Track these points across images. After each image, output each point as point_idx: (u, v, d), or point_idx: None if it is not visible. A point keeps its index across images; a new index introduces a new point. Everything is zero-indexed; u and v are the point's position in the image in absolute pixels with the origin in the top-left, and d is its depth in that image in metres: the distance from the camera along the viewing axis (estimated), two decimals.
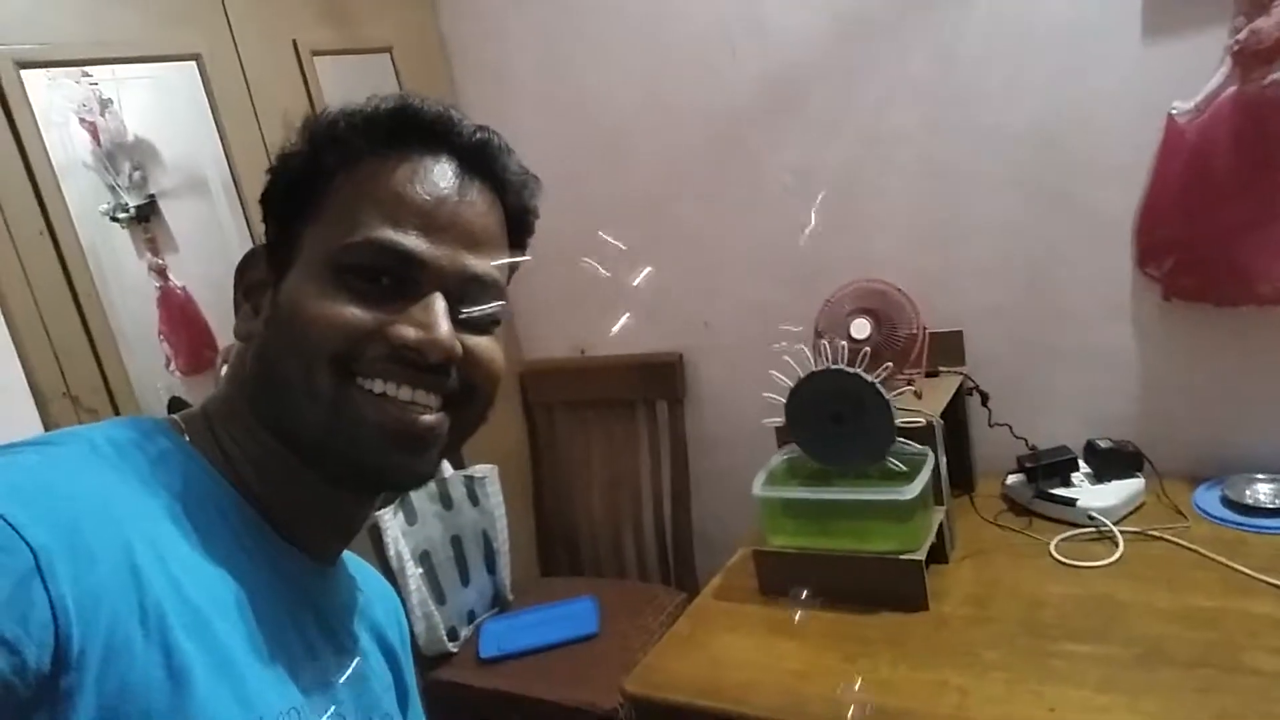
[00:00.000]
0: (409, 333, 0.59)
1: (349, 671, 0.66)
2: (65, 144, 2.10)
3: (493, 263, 0.64)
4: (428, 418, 0.61)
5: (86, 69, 2.03)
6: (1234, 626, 1.10)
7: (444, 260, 0.61)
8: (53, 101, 1.84)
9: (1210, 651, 1.06)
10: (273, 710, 0.55)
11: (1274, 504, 1.34)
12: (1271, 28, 1.23)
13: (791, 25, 1.65)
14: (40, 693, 0.45)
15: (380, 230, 0.59)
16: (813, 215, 1.60)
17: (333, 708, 0.62)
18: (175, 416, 0.64)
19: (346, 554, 0.77)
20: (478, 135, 0.65)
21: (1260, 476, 1.39)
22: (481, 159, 0.65)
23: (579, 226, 2.03)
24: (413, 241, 0.60)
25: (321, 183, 0.62)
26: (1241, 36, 1.26)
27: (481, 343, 0.64)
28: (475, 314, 0.63)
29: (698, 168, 1.85)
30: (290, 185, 0.63)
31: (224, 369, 0.72)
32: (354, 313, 0.59)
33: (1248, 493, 1.36)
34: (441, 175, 0.62)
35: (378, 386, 0.59)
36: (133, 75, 1.75)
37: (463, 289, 0.62)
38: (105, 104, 2.10)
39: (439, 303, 0.60)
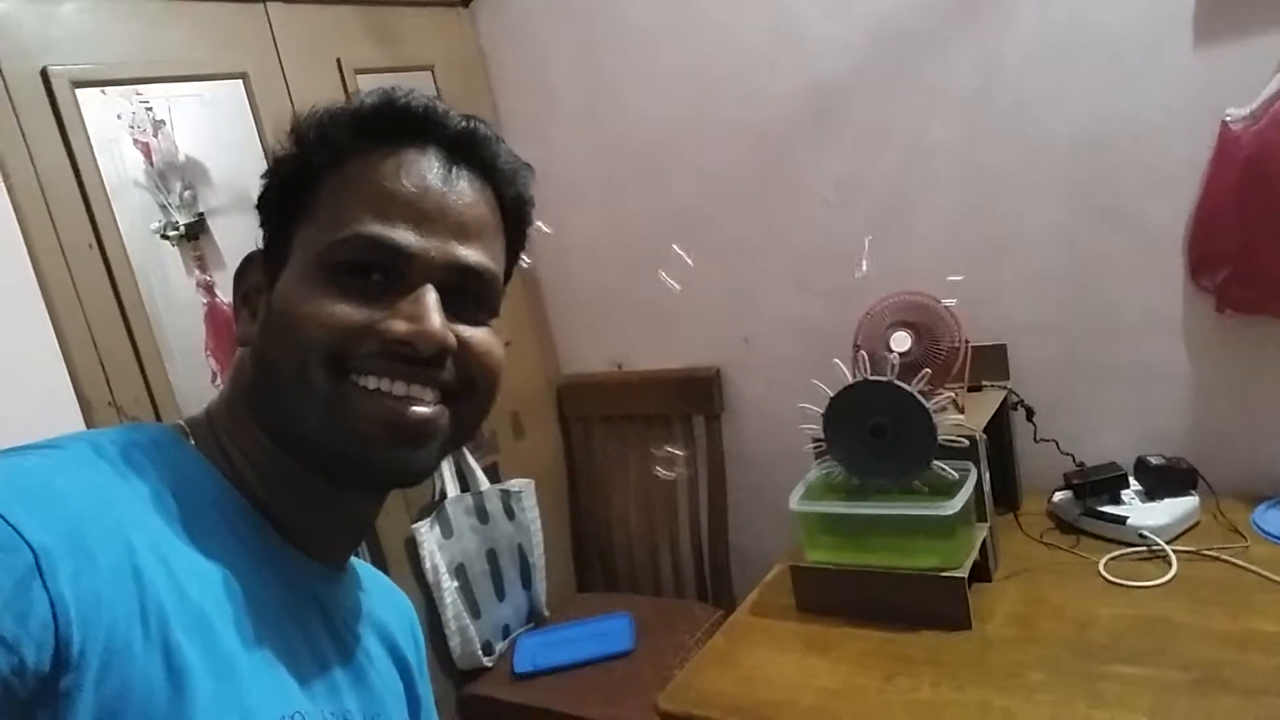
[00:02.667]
0: (400, 327, 0.58)
1: (355, 677, 0.66)
2: (118, 163, 2.17)
3: (486, 253, 0.63)
4: (424, 409, 0.60)
5: (139, 89, 2.10)
6: None
7: (433, 252, 0.60)
8: (106, 120, 1.90)
9: (1273, 679, 1.01)
10: (274, 713, 0.55)
11: None
12: None
13: (831, 37, 1.64)
14: (39, 692, 0.45)
15: (367, 225, 0.59)
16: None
17: (336, 713, 0.62)
18: (180, 422, 0.64)
19: (360, 563, 0.76)
20: (463, 124, 0.64)
21: None
22: (469, 148, 0.63)
23: (618, 240, 2.06)
24: (401, 234, 0.59)
25: (311, 183, 0.62)
26: None
27: (477, 334, 0.63)
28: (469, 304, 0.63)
29: (737, 182, 1.84)
30: (282, 188, 0.63)
31: None
32: (345, 310, 0.58)
33: None
34: (428, 166, 0.61)
35: (372, 383, 0.59)
36: (182, 94, 1.80)
37: (456, 280, 0.61)
38: (158, 125, 2.16)
39: (430, 295, 0.59)
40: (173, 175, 2.06)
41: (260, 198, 0.65)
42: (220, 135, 1.92)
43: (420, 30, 1.94)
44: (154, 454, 0.58)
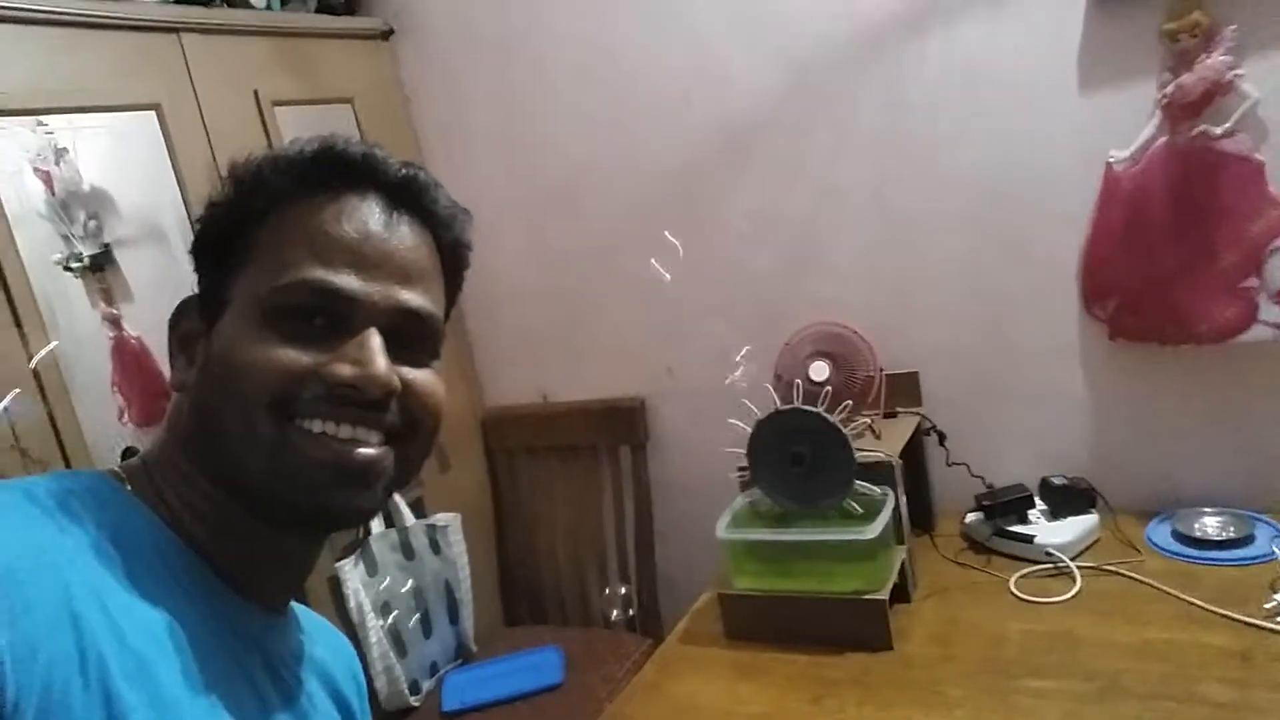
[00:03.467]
0: (345, 370, 0.59)
1: None
2: (19, 193, 2.07)
3: (428, 296, 0.65)
4: (369, 451, 0.61)
5: (42, 118, 2.02)
6: (1188, 658, 1.12)
7: (377, 296, 0.61)
8: (7, 149, 1.83)
9: (1166, 684, 1.08)
10: None
11: (1221, 536, 1.37)
12: (1195, 82, 1.30)
13: (746, 78, 1.70)
14: None
15: (311, 270, 0.59)
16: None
17: None
18: (116, 469, 0.63)
19: (300, 607, 0.76)
20: (404, 171, 0.65)
21: (1208, 510, 1.42)
22: (409, 194, 0.65)
23: (541, 272, 2.07)
24: (344, 279, 0.60)
25: (249, 229, 0.62)
26: (1169, 90, 1.33)
27: (421, 376, 0.64)
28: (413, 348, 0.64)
29: (656, 214, 1.87)
30: (219, 234, 0.63)
31: None
32: (289, 355, 0.59)
33: (1196, 526, 1.40)
34: (369, 212, 0.63)
35: (317, 426, 0.59)
36: (90, 125, 1.74)
37: (398, 324, 0.62)
38: (60, 153, 2.08)
39: (374, 339, 0.60)
40: (76, 205, 1.98)
41: (195, 243, 0.65)
42: (131, 166, 1.86)
43: (340, 63, 1.92)
44: (90, 501, 0.57)
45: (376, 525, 1.82)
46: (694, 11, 1.72)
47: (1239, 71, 1.29)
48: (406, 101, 2.07)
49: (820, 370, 1.52)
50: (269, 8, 1.77)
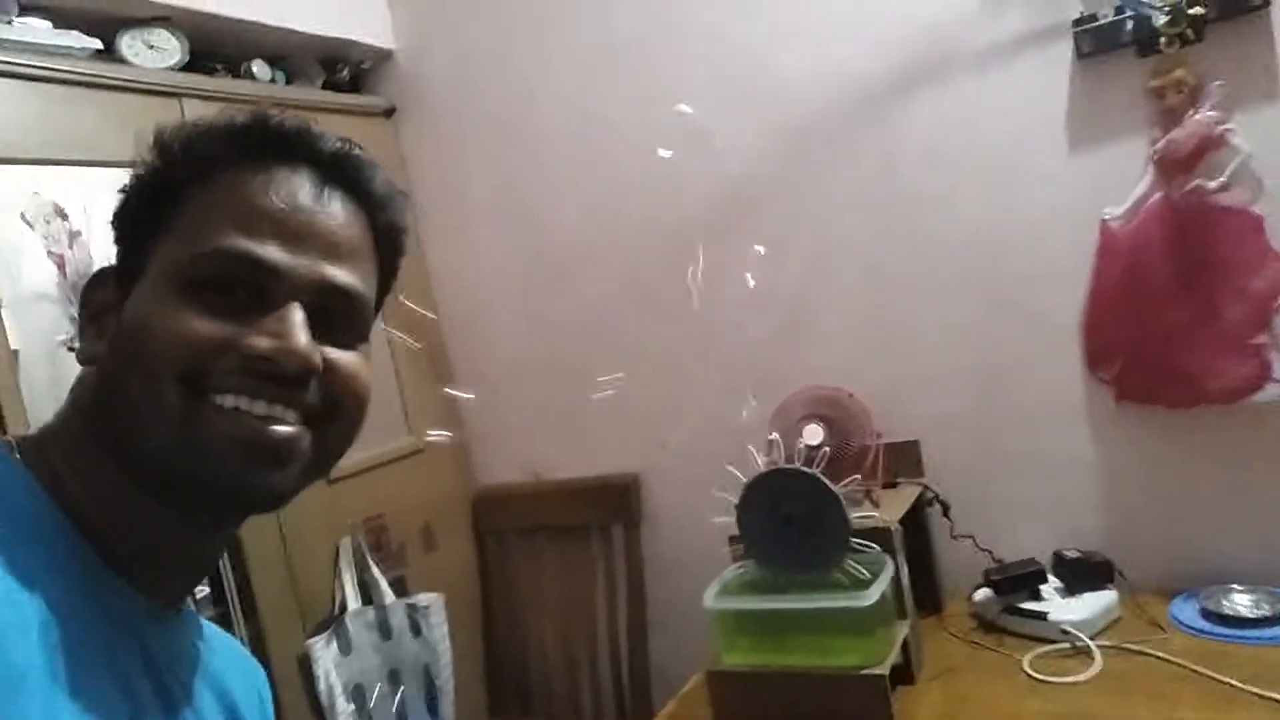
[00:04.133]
0: (262, 343, 0.56)
1: None
2: (31, 274, 2.09)
3: (357, 275, 0.62)
4: (285, 429, 0.58)
5: (61, 208, 2.06)
6: None
7: (302, 269, 0.58)
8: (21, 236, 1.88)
9: None
10: None
11: (1254, 614, 1.27)
12: (1185, 138, 1.29)
13: (737, 144, 1.71)
14: None
15: (232, 239, 0.57)
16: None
17: None
18: (8, 438, 0.60)
19: (209, 624, 0.72)
20: (338, 146, 0.63)
21: (1237, 587, 1.33)
22: (343, 172, 0.62)
23: (535, 346, 2.05)
24: (268, 250, 0.57)
25: (173, 198, 0.59)
26: (1159, 146, 1.32)
27: (345, 357, 0.61)
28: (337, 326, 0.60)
29: (649, 286, 1.86)
30: (141, 203, 0.61)
31: None
32: (204, 325, 0.56)
33: (1225, 603, 1.30)
34: (299, 185, 0.60)
35: (230, 401, 0.56)
36: (96, 182, 1.76)
37: (324, 301, 0.60)
38: (74, 236, 2.12)
39: (296, 313, 0.57)
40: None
41: (115, 212, 0.62)
42: None
43: (343, 131, 1.94)
44: None
45: (353, 602, 1.74)
46: (686, 82, 1.74)
47: (1229, 126, 1.27)
48: (407, 177, 2.10)
49: (814, 434, 1.46)
50: (273, 80, 1.82)
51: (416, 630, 1.81)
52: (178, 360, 0.55)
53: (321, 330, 0.59)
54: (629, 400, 1.92)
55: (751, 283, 1.75)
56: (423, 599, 1.84)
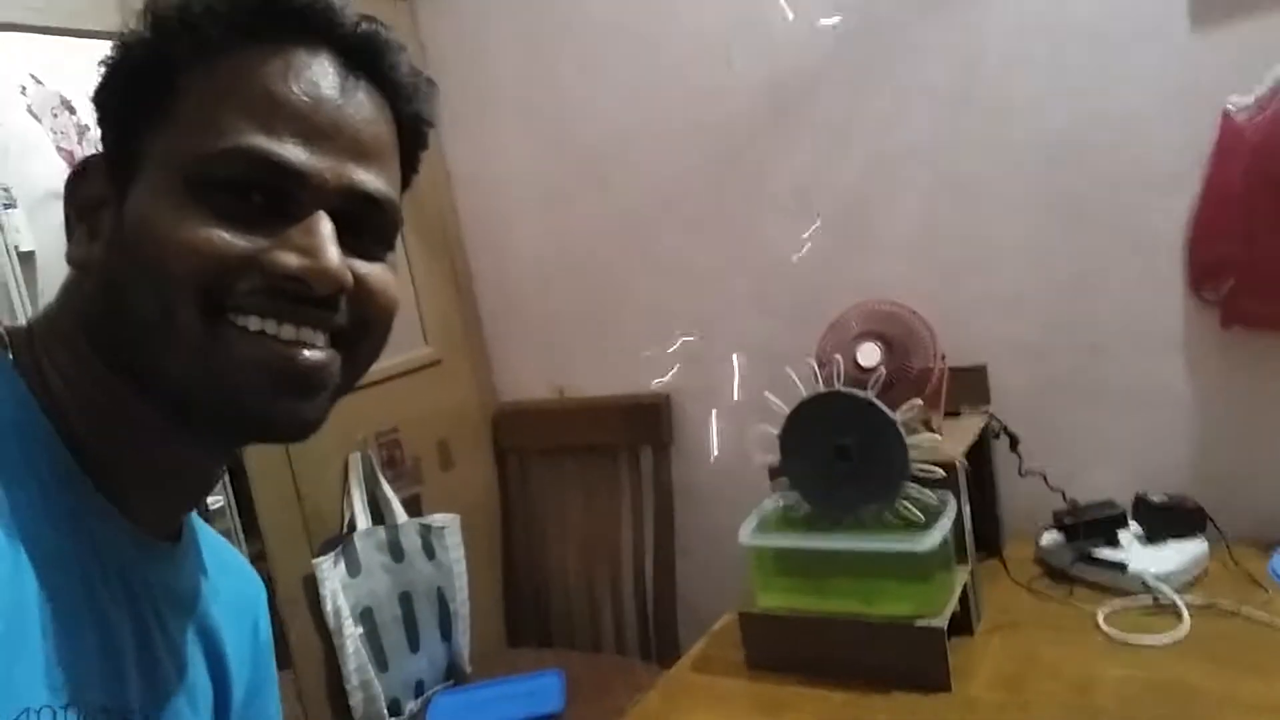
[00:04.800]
0: (291, 260, 0.50)
1: (146, 671, 0.55)
2: (43, 171, 1.98)
3: (385, 177, 0.56)
4: (316, 354, 0.53)
5: (68, 100, 1.92)
6: None
7: (328, 173, 0.52)
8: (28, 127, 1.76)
9: None
10: (17, 705, 0.44)
11: None
12: None
13: (795, 29, 1.50)
14: None
15: (250, 138, 0.50)
16: (806, 236, 1.42)
17: (110, 714, 0.50)
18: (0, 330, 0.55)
19: (209, 536, 0.68)
20: (363, 27, 0.55)
21: None
22: (367, 56, 0.55)
23: (563, 254, 1.89)
24: (291, 151, 0.50)
25: (171, 78, 0.52)
26: None
27: (375, 270, 0.56)
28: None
29: (691, 188, 1.68)
30: (132, 79, 0.53)
31: None
32: (222, 237, 0.49)
33: None
34: (321, 73, 0.53)
35: (254, 324, 0.51)
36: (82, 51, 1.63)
37: (351, 208, 0.53)
38: (83, 131, 1.98)
39: (325, 225, 0.52)
40: None
41: (100, 90, 0.54)
42: None
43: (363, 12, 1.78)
44: None
45: (363, 521, 1.64)
46: None
47: None
48: (427, 64, 1.92)
49: (870, 354, 1.29)
50: None
51: (430, 552, 1.71)
52: (194, 276, 0.49)
53: (347, 239, 0.53)
54: (662, 315, 1.78)
55: (793, 195, 1.57)
56: (437, 519, 1.74)
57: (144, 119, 0.52)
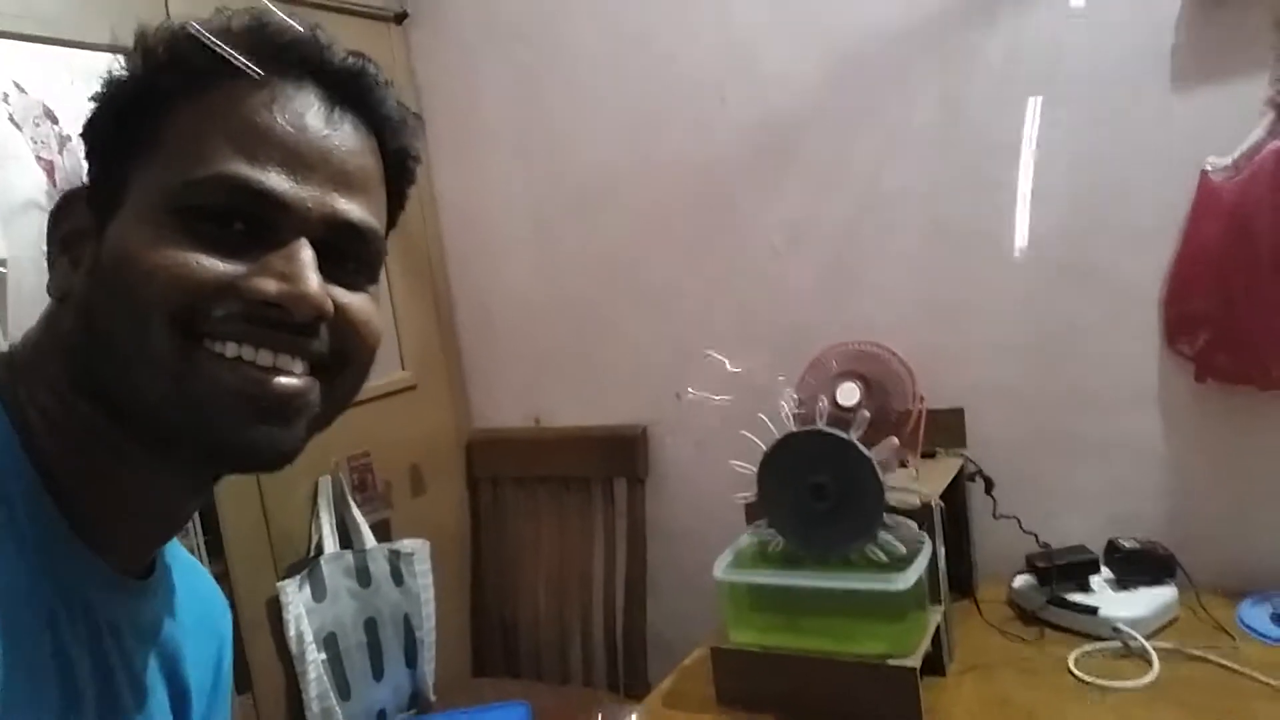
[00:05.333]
0: (269, 286, 0.50)
1: (107, 710, 0.54)
2: (19, 180, 1.95)
3: (370, 209, 0.56)
4: (292, 381, 0.52)
5: (50, 110, 1.90)
6: None
7: (310, 202, 0.52)
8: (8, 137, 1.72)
9: None
10: None
11: None
12: None
13: (787, 70, 1.53)
14: None
15: (234, 165, 0.50)
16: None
17: None
18: None
19: (177, 553, 0.67)
20: (350, 61, 0.56)
21: None
22: (354, 90, 0.56)
23: (548, 285, 1.89)
24: (274, 180, 0.51)
25: (157, 111, 0.52)
26: None
27: (356, 300, 0.55)
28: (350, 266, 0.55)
29: (678, 224, 1.70)
30: (119, 114, 0.53)
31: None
32: (199, 262, 0.49)
33: None
34: (306, 104, 0.53)
35: (231, 350, 0.50)
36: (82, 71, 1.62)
37: (333, 238, 0.53)
38: (64, 141, 1.96)
39: (305, 252, 0.51)
40: None
41: (89, 123, 0.54)
42: None
43: (348, 41, 1.75)
44: None
45: (330, 544, 1.61)
46: None
47: None
48: (417, 90, 1.93)
49: (850, 394, 1.30)
50: None
51: (398, 578, 1.68)
52: (170, 300, 0.49)
53: (329, 269, 0.53)
54: (642, 347, 1.78)
55: (782, 233, 1.59)
56: (406, 545, 1.71)
57: (131, 151, 0.52)
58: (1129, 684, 1.07)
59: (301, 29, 0.54)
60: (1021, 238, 1.38)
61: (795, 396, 1.31)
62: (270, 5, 0.55)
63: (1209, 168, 1.21)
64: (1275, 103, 1.15)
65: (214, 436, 0.51)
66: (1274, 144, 1.15)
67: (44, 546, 0.50)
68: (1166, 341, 1.29)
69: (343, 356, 0.55)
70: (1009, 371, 1.42)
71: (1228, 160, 1.19)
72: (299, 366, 0.53)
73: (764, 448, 1.17)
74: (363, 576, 1.63)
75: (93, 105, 0.54)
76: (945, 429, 1.40)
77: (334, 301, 0.53)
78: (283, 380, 0.52)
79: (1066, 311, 1.36)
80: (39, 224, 2.01)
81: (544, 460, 1.90)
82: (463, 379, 2.01)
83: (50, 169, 1.93)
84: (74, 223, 0.55)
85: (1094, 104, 1.30)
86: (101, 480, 0.53)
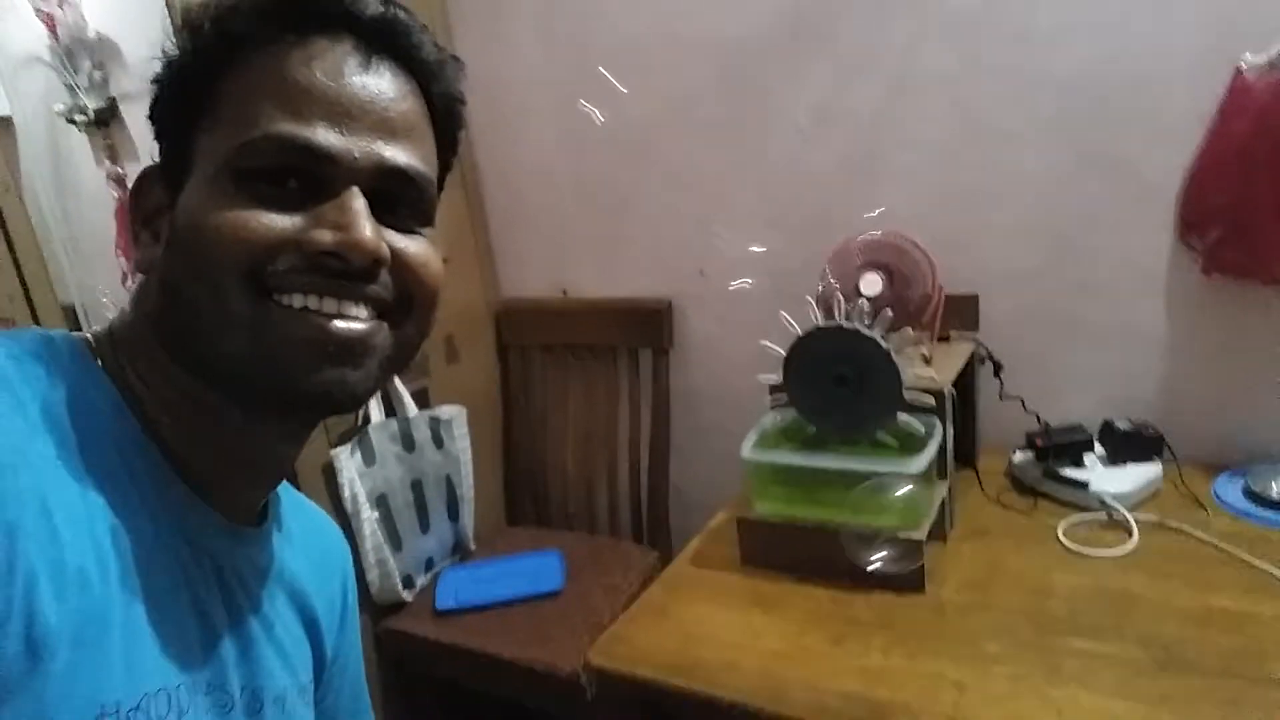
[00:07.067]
0: (325, 236, 0.53)
1: (244, 648, 0.61)
2: (19, 34, 1.91)
3: (417, 154, 0.58)
4: (355, 325, 0.55)
5: None
6: (1261, 633, 1.00)
7: (357, 152, 0.54)
8: None
9: (1236, 660, 0.96)
10: (138, 690, 0.49)
11: None
12: None
13: None
14: None
15: (280, 124, 0.53)
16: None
17: (216, 688, 0.57)
18: (88, 336, 0.58)
19: (292, 498, 0.72)
20: (380, 10, 0.57)
21: None
22: (389, 39, 0.57)
23: (572, 158, 1.90)
24: (319, 133, 0.53)
25: (209, 83, 0.55)
26: None
27: (412, 244, 0.58)
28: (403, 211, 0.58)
29: (705, 102, 1.69)
30: (178, 92, 0.56)
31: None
32: (260, 219, 0.52)
33: (1274, 484, 1.26)
34: (342, 56, 0.55)
35: (298, 301, 0.53)
36: None
37: (384, 185, 0.56)
38: None
39: (357, 200, 0.54)
40: (80, 53, 1.82)
41: (153, 106, 0.58)
42: (133, 12, 1.69)
43: None
44: (55, 373, 0.52)
45: (376, 414, 1.72)
46: None
47: None
48: None
49: (872, 284, 1.36)
50: None
51: (439, 442, 1.81)
52: (238, 260, 0.52)
53: (383, 215, 0.56)
54: (667, 224, 1.82)
55: (808, 115, 1.59)
56: (444, 411, 1.83)
57: (191, 125, 0.55)
58: (1110, 552, 1.20)
59: None
60: (1046, 126, 1.40)
61: (820, 285, 1.38)
62: None
63: (1244, 65, 1.21)
64: None
65: (290, 384, 0.54)
66: None
67: (168, 506, 0.55)
68: (1178, 235, 1.34)
69: (406, 299, 0.58)
70: (1023, 257, 1.47)
71: (1263, 58, 1.20)
72: (363, 311, 0.55)
73: (796, 329, 1.23)
74: (407, 442, 1.75)
75: (153, 87, 0.57)
76: (959, 313, 1.48)
77: (390, 246, 0.55)
78: (346, 325, 0.54)
79: (1084, 201, 1.40)
80: (44, 78, 2.01)
81: (571, 330, 1.99)
82: (491, 251, 2.06)
83: (50, 21, 1.90)
84: (151, 199, 0.58)
85: None
86: (205, 440, 0.57)
